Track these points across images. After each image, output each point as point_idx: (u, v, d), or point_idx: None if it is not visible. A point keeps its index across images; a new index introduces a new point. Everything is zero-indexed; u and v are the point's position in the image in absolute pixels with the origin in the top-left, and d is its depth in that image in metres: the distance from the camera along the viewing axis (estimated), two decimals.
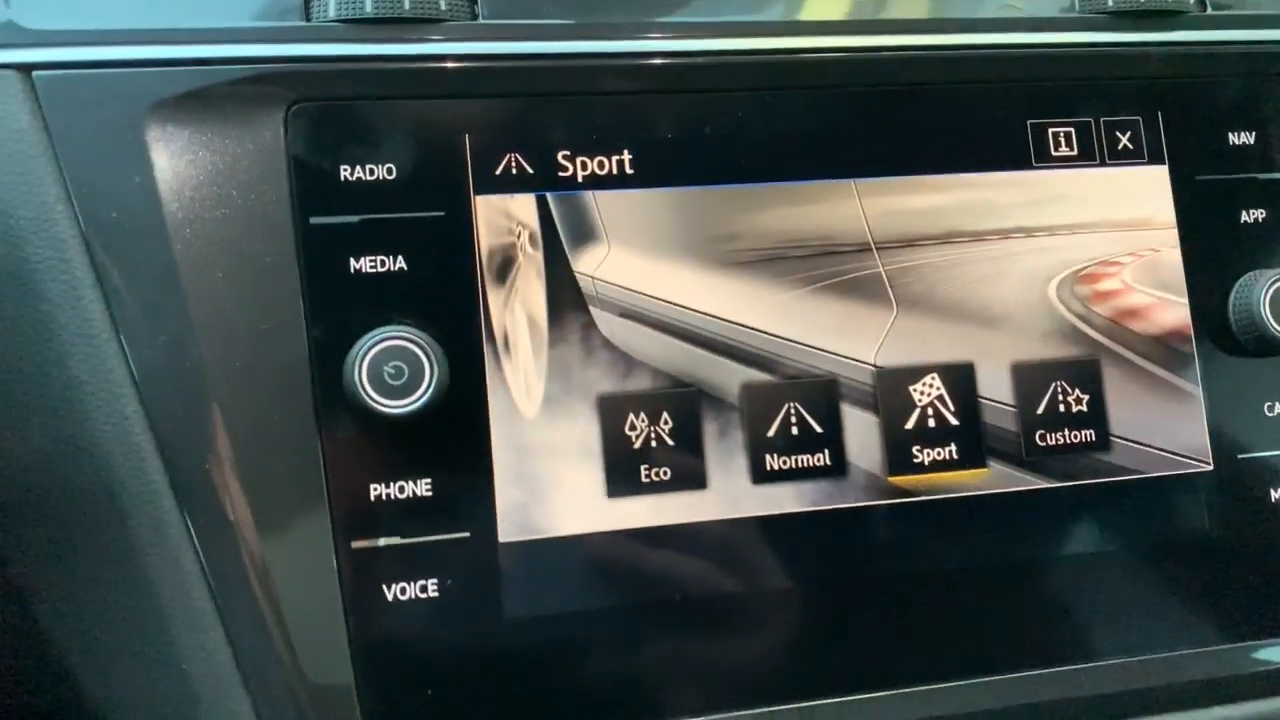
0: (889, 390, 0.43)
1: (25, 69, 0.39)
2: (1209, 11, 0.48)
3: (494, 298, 0.41)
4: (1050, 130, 0.46)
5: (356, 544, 0.39)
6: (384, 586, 0.39)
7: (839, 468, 0.43)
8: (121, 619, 0.39)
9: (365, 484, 0.39)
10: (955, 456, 0.43)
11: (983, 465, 0.43)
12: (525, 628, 0.40)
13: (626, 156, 0.42)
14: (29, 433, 0.38)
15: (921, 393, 0.43)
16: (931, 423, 0.43)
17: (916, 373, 0.43)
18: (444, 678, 0.39)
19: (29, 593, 0.39)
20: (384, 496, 0.39)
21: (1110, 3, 0.47)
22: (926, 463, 0.43)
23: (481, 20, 0.42)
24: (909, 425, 0.43)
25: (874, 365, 0.43)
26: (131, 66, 0.39)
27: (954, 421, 0.43)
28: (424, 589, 0.39)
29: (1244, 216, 0.47)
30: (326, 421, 0.39)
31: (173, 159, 0.39)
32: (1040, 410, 0.44)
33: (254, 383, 0.39)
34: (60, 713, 0.41)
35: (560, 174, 0.42)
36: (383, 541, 0.39)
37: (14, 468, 0.38)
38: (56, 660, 0.39)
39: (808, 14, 0.45)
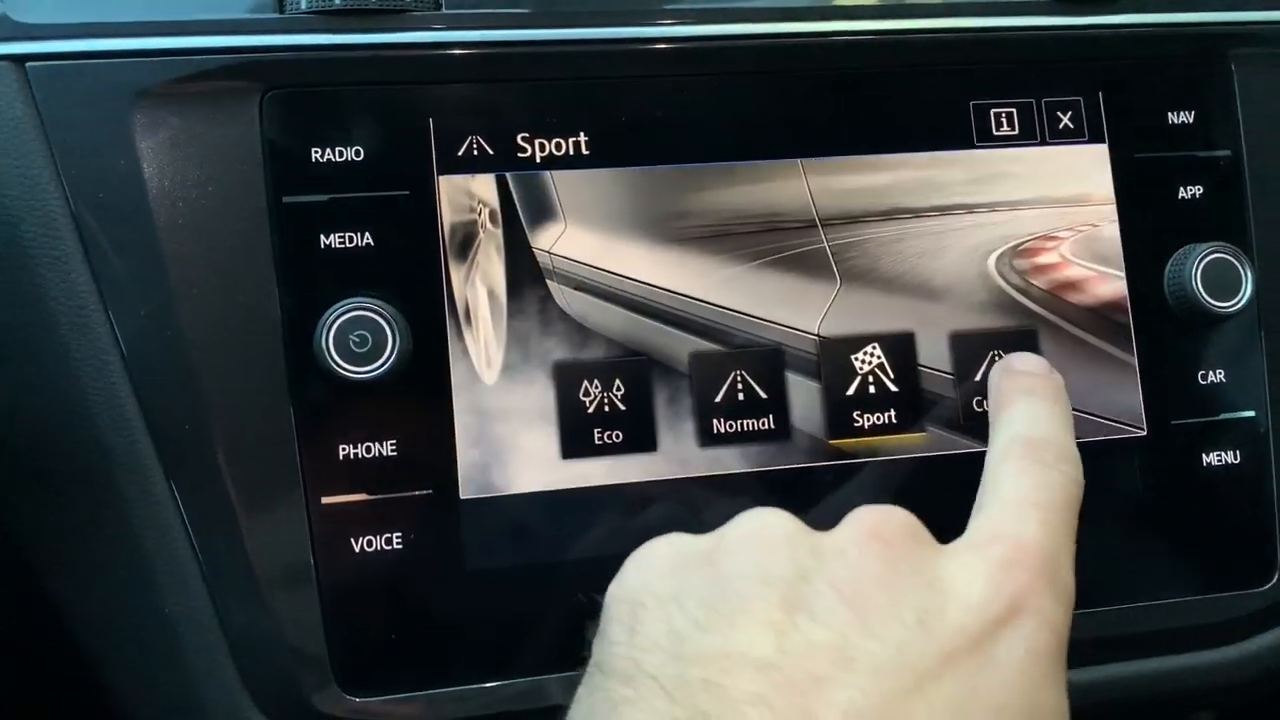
0: (831, 358, 0.46)
1: (19, 60, 0.42)
2: None
3: (456, 272, 0.44)
4: (992, 110, 0.48)
5: (326, 500, 0.42)
6: (351, 540, 0.42)
7: (783, 432, 0.45)
8: (110, 570, 0.42)
9: (334, 444, 0.42)
10: (894, 421, 0.46)
11: (921, 430, 0.46)
12: (484, 579, 0.43)
13: (583, 138, 0.45)
14: (24, 394, 0.41)
15: (863, 361, 0.46)
16: (872, 389, 0.46)
17: (858, 342, 0.46)
18: (406, 624, 0.42)
19: (24, 545, 0.43)
20: (351, 456, 0.42)
21: None
22: (866, 427, 0.45)
23: (444, 10, 0.45)
24: (850, 392, 0.46)
25: (817, 335, 0.46)
26: (118, 57, 0.42)
27: (893, 389, 0.46)
28: (389, 541, 0.42)
29: (1181, 193, 0.49)
30: (297, 386, 0.42)
31: (156, 143, 0.42)
32: (978, 377, 0.46)
33: (231, 350, 0.42)
34: (51, 657, 0.44)
35: (519, 155, 0.45)
36: (350, 497, 0.42)
37: (9, 427, 0.42)
38: (50, 607, 0.43)
39: (757, 1, 0.48)
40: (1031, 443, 0.33)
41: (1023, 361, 0.41)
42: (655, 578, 0.30)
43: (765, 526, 0.30)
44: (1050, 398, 0.36)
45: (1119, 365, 0.48)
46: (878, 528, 0.29)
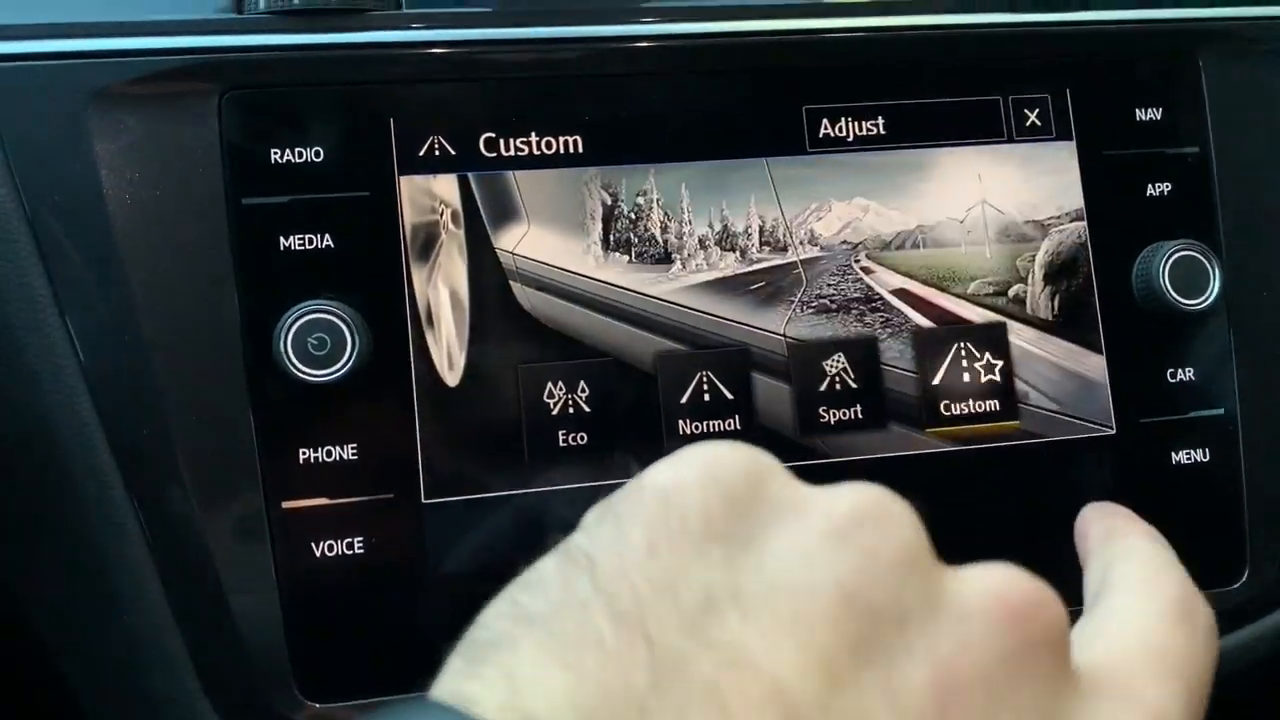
0: (799, 359, 0.45)
1: None
2: None
3: (417, 273, 0.43)
4: (960, 108, 0.48)
5: (286, 504, 0.41)
6: (312, 544, 0.41)
7: (749, 431, 0.45)
8: (68, 576, 0.42)
9: (294, 448, 0.42)
10: (860, 418, 0.45)
11: (884, 427, 0.46)
12: (447, 583, 0.42)
13: (545, 138, 0.45)
14: None
15: (831, 364, 0.46)
16: (838, 388, 0.45)
17: (827, 347, 0.46)
18: (369, 629, 0.42)
19: None
20: (312, 460, 0.42)
21: None
22: (833, 423, 0.45)
23: (404, 9, 0.44)
24: (820, 389, 0.45)
25: (784, 336, 0.45)
26: (74, 58, 0.42)
27: (856, 386, 0.46)
28: (350, 546, 0.42)
29: (1149, 190, 0.49)
30: (256, 389, 0.41)
31: (113, 144, 0.42)
32: (939, 375, 0.46)
33: (189, 353, 0.41)
34: (11, 663, 0.44)
35: (482, 155, 0.44)
36: (310, 502, 0.41)
37: None
38: (8, 614, 0.42)
39: (719, 0, 0.47)
40: (1182, 598, 0.27)
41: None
42: (717, 494, 0.22)
43: (889, 517, 0.22)
44: (1173, 555, 0.30)
45: (1087, 363, 0.47)
46: (1027, 610, 0.21)
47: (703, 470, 0.22)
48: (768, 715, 0.18)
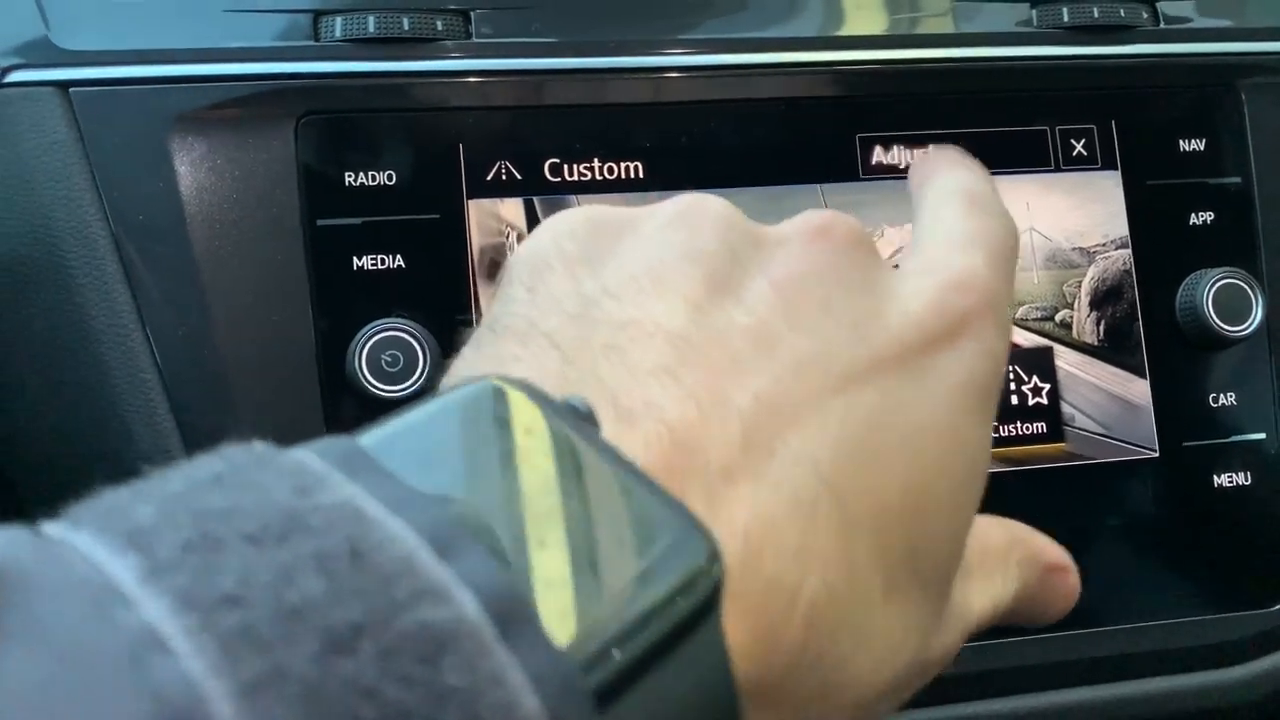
0: None
1: (63, 86, 0.43)
2: (1161, 26, 0.51)
3: (485, 292, 0.45)
4: (1007, 139, 0.49)
5: None
6: None
7: None
8: None
9: None
10: None
11: None
12: None
13: (607, 164, 0.46)
14: (66, 412, 0.42)
15: None
16: None
17: None
18: None
19: None
20: None
21: (1066, 18, 0.50)
22: None
23: (475, 39, 0.46)
24: None
25: None
26: (158, 83, 0.43)
27: None
28: None
29: (1192, 219, 0.50)
30: (331, 405, 0.43)
31: (194, 166, 0.43)
32: None
33: (266, 369, 0.43)
34: None
35: (547, 179, 0.46)
36: None
37: (53, 443, 0.43)
38: None
39: (775, 31, 0.49)
40: (972, 196, 0.29)
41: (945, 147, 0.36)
42: (568, 240, 0.26)
43: (703, 204, 0.26)
44: (981, 169, 0.32)
45: (1132, 387, 0.48)
46: (827, 227, 0.26)
47: (550, 229, 0.27)
48: (656, 344, 0.22)
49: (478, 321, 0.44)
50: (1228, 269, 0.49)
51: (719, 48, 0.47)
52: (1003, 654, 0.46)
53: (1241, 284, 0.48)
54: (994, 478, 0.47)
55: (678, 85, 0.47)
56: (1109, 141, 0.50)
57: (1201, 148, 0.51)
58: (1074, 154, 0.50)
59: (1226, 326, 0.48)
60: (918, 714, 0.46)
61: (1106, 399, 0.48)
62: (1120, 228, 0.49)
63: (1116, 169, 0.50)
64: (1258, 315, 0.48)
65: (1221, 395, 0.49)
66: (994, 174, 0.48)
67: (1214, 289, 0.48)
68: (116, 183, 0.43)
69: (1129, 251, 0.49)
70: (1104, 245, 0.49)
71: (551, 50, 0.46)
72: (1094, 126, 0.50)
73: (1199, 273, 0.49)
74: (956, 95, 0.49)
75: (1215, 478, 0.49)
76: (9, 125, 0.43)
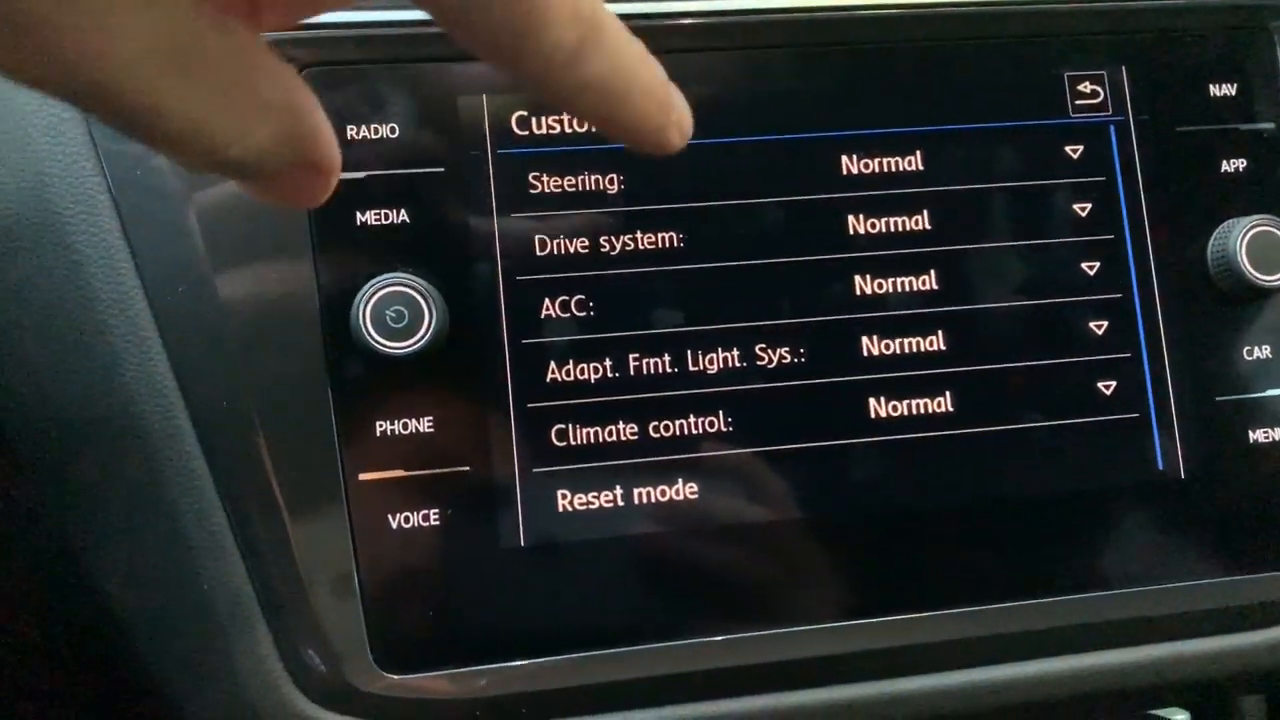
0: None
1: None
2: None
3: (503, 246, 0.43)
4: (1024, 85, 0.48)
5: (364, 476, 0.42)
6: (389, 516, 0.42)
7: None
8: (147, 548, 0.42)
9: (372, 420, 0.42)
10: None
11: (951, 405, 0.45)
12: (520, 557, 0.42)
13: None
14: (65, 372, 0.41)
15: None
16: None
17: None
18: (444, 602, 0.42)
19: (69, 525, 0.43)
20: (389, 432, 0.42)
21: None
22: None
23: None
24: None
25: None
26: None
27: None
28: (426, 518, 0.42)
29: (1224, 166, 0.48)
30: (335, 362, 0.42)
31: None
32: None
33: (268, 326, 0.42)
34: (95, 634, 0.44)
35: (562, 131, 0.44)
36: (387, 474, 0.42)
37: (52, 405, 0.42)
38: (88, 589, 0.43)
39: None
40: None
41: None
42: None
43: None
44: None
45: (1165, 341, 0.47)
46: None
47: None
48: None
49: (502, 277, 0.43)
50: (1262, 216, 0.47)
51: None
52: (1033, 616, 0.45)
53: (1276, 232, 0.47)
54: (1026, 432, 0.45)
55: (689, 33, 0.46)
56: (1137, 87, 0.48)
57: (1233, 93, 0.49)
58: (1100, 100, 0.48)
59: (1261, 276, 0.46)
60: (950, 676, 0.44)
61: (1138, 353, 0.47)
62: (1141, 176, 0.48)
63: (1146, 115, 0.48)
64: None
65: (1256, 348, 0.47)
66: (1008, 123, 0.47)
67: (1248, 238, 0.46)
68: (113, 138, 0.42)
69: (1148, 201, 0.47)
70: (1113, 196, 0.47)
71: None
72: (1123, 69, 0.48)
73: (1231, 221, 0.47)
74: (972, 42, 0.48)
75: (1250, 433, 0.47)
76: (3, 81, 0.42)
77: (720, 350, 0.44)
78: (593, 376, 0.43)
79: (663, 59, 0.24)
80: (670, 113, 0.26)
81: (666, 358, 0.44)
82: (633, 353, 0.44)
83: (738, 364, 0.44)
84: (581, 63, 0.23)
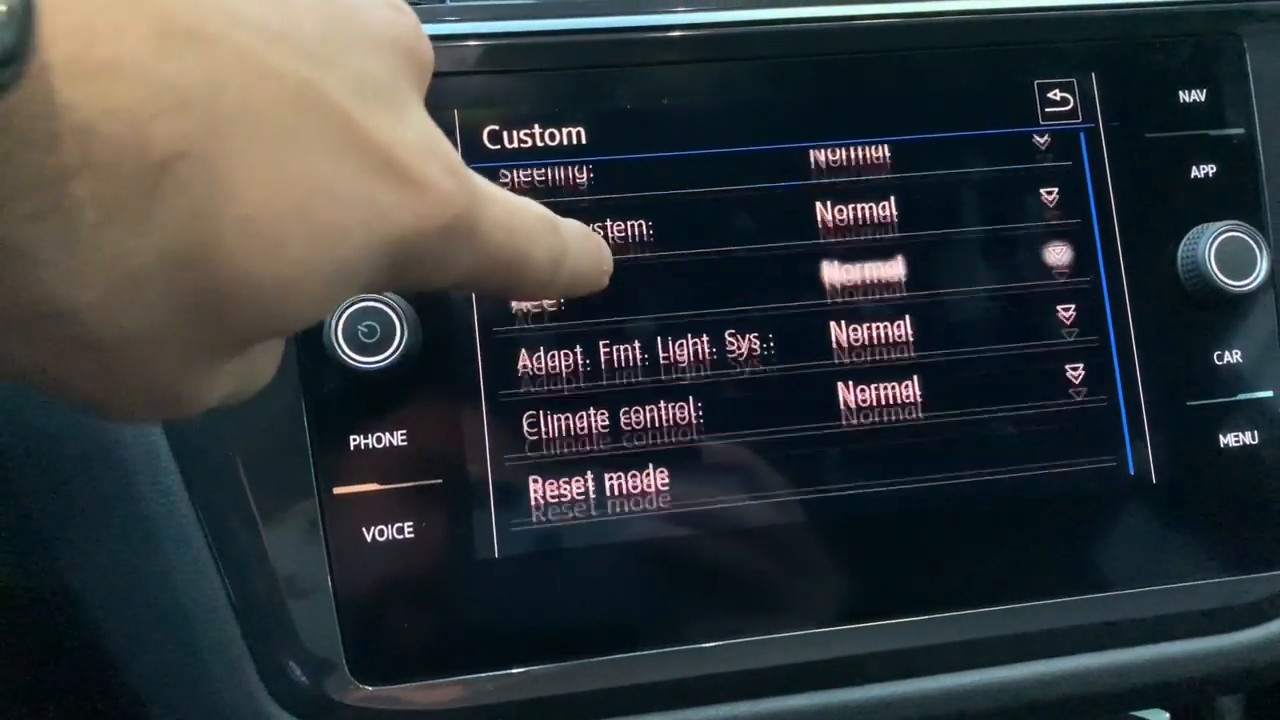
0: None
1: None
2: None
3: None
4: (996, 93, 0.48)
5: (338, 490, 0.42)
6: (363, 529, 0.42)
7: None
8: (123, 561, 0.42)
9: (345, 435, 0.42)
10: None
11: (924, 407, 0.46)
12: (494, 568, 0.43)
13: (584, 129, 0.45)
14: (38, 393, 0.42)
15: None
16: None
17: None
18: (419, 613, 0.42)
19: (45, 539, 0.43)
20: (363, 446, 0.42)
21: None
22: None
23: (448, 3, 0.45)
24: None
25: None
26: None
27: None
28: (400, 531, 0.42)
29: (1194, 172, 0.48)
30: (309, 376, 0.42)
31: None
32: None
33: None
34: (67, 652, 0.45)
35: (534, 144, 0.45)
36: (361, 488, 0.42)
37: (29, 426, 0.42)
38: (65, 601, 0.43)
39: None
40: None
41: None
42: None
43: None
44: None
45: (1136, 346, 0.47)
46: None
47: None
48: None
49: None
50: (1231, 223, 0.47)
51: (705, 4, 0.46)
52: (1008, 621, 0.45)
53: (1245, 238, 0.47)
54: (997, 444, 0.46)
55: (658, 46, 0.46)
56: (1106, 93, 0.48)
57: (1203, 99, 0.49)
58: (1070, 107, 0.48)
59: (1230, 282, 0.47)
60: (940, 679, 0.45)
61: (1110, 360, 0.47)
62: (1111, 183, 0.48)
63: (1117, 122, 0.48)
64: (1262, 270, 0.47)
65: (1226, 353, 0.48)
66: (987, 131, 0.48)
67: (1217, 243, 0.47)
68: None
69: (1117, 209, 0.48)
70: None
71: (529, 12, 0.45)
72: (1093, 76, 0.48)
73: (1201, 227, 0.47)
74: (945, 51, 0.48)
75: (1222, 437, 0.47)
76: None
77: (690, 338, 0.44)
78: (564, 368, 0.44)
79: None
80: (606, 264, 0.35)
81: (637, 345, 0.44)
82: (602, 341, 0.44)
83: (708, 352, 0.44)
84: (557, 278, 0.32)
